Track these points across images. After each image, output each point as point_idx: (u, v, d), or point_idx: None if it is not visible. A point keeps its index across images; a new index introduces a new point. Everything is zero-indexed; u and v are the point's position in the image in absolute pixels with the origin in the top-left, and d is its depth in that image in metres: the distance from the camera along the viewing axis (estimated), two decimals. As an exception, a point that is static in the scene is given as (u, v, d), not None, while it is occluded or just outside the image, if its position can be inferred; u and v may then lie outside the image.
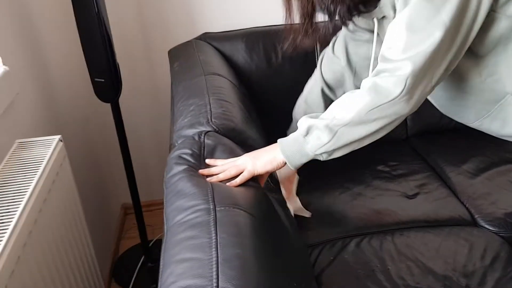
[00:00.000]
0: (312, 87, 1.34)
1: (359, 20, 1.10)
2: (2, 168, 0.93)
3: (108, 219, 1.90)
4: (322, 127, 0.90)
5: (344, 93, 1.08)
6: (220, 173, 0.88)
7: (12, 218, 0.79)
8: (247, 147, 1.09)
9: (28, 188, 0.86)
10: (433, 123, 1.71)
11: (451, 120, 1.70)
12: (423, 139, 1.69)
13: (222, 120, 1.08)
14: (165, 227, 0.79)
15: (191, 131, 1.04)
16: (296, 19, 0.99)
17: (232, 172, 0.89)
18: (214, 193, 0.80)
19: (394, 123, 0.90)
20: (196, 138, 0.99)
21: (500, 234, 1.25)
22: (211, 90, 1.21)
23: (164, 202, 0.85)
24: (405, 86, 0.83)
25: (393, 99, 0.84)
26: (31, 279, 0.81)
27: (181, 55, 1.52)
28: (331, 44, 1.29)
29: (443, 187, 1.42)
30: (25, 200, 0.83)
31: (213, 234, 0.70)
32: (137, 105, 1.82)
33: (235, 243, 0.69)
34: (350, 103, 0.89)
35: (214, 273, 0.63)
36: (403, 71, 0.83)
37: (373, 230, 1.26)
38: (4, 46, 1.14)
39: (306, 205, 1.37)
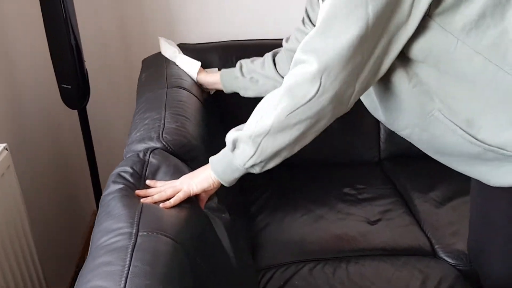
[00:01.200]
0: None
1: None
2: None
3: (77, 226, 1.87)
4: (246, 139, 0.84)
5: None
6: (156, 194, 0.86)
7: None
8: (200, 163, 1.07)
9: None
10: (406, 147, 1.67)
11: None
12: (395, 163, 1.67)
13: (173, 136, 1.05)
14: (90, 248, 0.77)
15: (140, 146, 1.02)
16: None
17: (168, 193, 0.86)
18: (142, 216, 0.78)
19: (319, 124, 0.82)
20: (141, 155, 0.97)
21: (458, 267, 1.22)
22: (169, 104, 1.19)
23: (95, 221, 0.83)
24: (320, 84, 0.76)
25: (310, 99, 0.77)
26: None
27: (151, 66, 1.50)
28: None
29: (406, 215, 1.39)
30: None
31: (127, 262, 0.68)
32: (111, 113, 1.80)
33: (147, 272, 0.66)
34: (268, 107, 0.83)
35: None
36: (312, 67, 0.76)
37: (329, 256, 1.23)
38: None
39: (265, 225, 1.35)
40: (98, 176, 1.59)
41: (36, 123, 1.56)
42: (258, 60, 1.33)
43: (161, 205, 0.84)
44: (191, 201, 0.90)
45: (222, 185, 0.93)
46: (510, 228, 0.92)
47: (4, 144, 1.01)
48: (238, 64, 1.34)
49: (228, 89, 1.37)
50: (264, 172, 1.59)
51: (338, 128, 1.73)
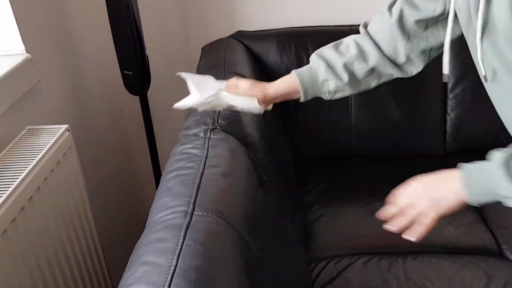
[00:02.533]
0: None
1: None
2: (5, 152, 0.96)
3: (137, 209, 1.92)
4: None
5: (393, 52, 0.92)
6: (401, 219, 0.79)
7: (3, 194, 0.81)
8: (254, 151, 1.06)
9: (22, 173, 0.89)
10: (474, 141, 1.58)
11: (496, 137, 1.60)
12: (462, 157, 1.55)
13: (228, 122, 1.05)
14: (147, 223, 0.78)
15: (195, 131, 1.03)
16: None
17: (417, 220, 0.79)
18: (198, 196, 0.78)
19: None
20: (201, 135, 0.98)
21: (529, 270, 1.13)
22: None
23: (155, 196, 0.84)
24: None
25: None
26: (14, 256, 0.83)
27: (210, 53, 1.51)
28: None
29: (472, 212, 1.31)
30: (15, 184, 0.85)
31: (181, 240, 0.68)
32: (171, 99, 1.83)
33: (198, 252, 0.66)
34: None
35: (167, 282, 0.61)
36: None
37: (385, 251, 1.18)
38: (32, 34, 1.18)
39: (319, 216, 1.32)
40: (158, 161, 1.63)
41: (98, 107, 1.62)
42: (346, 46, 0.98)
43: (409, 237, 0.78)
44: (251, 184, 0.89)
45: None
46: None
47: (66, 126, 1.05)
48: (319, 61, 0.97)
49: (308, 96, 1.00)
50: (322, 160, 1.55)
51: (401, 119, 1.69)
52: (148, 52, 1.48)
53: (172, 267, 0.63)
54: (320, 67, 0.96)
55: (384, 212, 0.80)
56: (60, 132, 1.03)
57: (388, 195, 1.37)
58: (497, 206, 1.30)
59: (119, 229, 1.74)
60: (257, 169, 1.00)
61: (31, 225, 0.90)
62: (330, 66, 0.96)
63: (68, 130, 1.06)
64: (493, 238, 1.22)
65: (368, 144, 1.60)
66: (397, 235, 1.23)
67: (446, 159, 1.59)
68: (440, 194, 0.78)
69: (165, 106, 1.82)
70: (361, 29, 1.00)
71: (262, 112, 1.00)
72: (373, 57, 0.95)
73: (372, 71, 0.97)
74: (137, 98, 1.54)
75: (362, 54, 0.95)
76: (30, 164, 0.92)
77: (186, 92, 1.79)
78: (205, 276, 0.63)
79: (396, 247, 1.19)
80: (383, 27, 0.96)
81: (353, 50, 0.96)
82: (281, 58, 1.55)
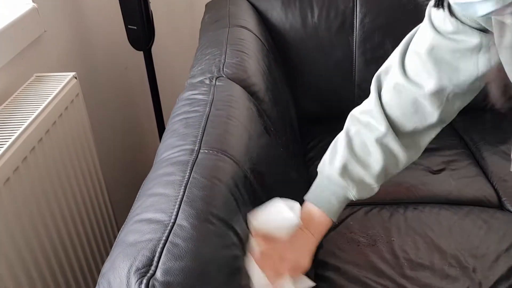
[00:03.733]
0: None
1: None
2: (13, 98, 0.98)
3: (141, 158, 1.94)
4: None
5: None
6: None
7: (9, 139, 0.83)
8: (259, 100, 1.07)
9: (30, 117, 0.90)
10: (477, 100, 1.58)
11: (499, 98, 1.60)
12: (464, 117, 1.57)
13: (233, 70, 1.05)
14: (154, 161, 0.80)
15: (200, 78, 1.03)
16: None
17: None
18: (204, 135, 0.79)
19: None
20: (207, 82, 0.98)
21: (529, 221, 1.15)
22: (230, 41, 1.18)
23: (162, 139, 0.86)
24: None
25: None
26: (25, 194, 0.86)
27: (213, 8, 1.50)
28: (397, 60, 0.78)
29: (473, 166, 1.32)
30: (24, 127, 0.87)
31: (187, 173, 0.70)
32: (174, 54, 1.83)
33: (205, 185, 0.68)
34: None
35: (175, 210, 0.63)
36: None
37: (386, 202, 1.20)
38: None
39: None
40: (162, 113, 1.64)
41: (103, 60, 1.62)
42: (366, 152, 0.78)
43: None
44: (256, 129, 0.90)
45: None
46: None
47: (73, 73, 1.06)
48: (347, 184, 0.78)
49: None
50: (326, 120, 1.56)
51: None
52: (152, 7, 1.47)
53: (180, 197, 0.64)
54: (350, 191, 0.78)
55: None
56: (68, 79, 1.04)
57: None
58: (498, 161, 1.33)
59: (124, 174, 1.77)
60: (263, 117, 1.01)
61: (41, 166, 0.92)
62: (360, 187, 0.79)
63: (76, 78, 1.07)
64: (493, 190, 1.24)
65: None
66: (399, 188, 1.26)
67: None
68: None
69: (169, 62, 1.83)
70: (374, 93, 0.80)
71: None
72: (404, 158, 0.79)
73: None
74: (141, 54, 1.55)
75: (390, 159, 0.79)
76: (38, 109, 0.93)
77: (189, 51, 1.76)
78: (211, 205, 0.65)
79: (397, 199, 1.21)
80: (405, 102, 0.77)
81: (378, 159, 0.77)
82: (286, 15, 1.54)
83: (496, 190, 1.25)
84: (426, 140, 0.83)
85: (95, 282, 1.12)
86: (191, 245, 0.57)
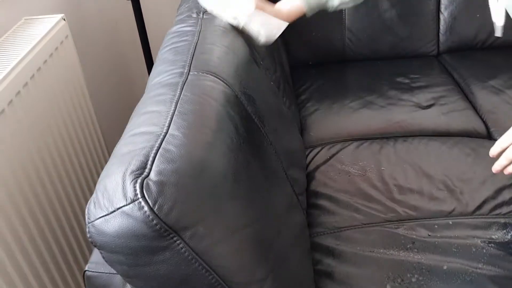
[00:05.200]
0: None
1: None
2: (2, 39, 0.98)
3: (131, 95, 1.94)
4: None
5: None
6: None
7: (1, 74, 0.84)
8: (245, 34, 1.07)
9: (19, 55, 0.91)
10: (467, 39, 1.59)
11: (489, 35, 1.61)
12: (455, 55, 1.59)
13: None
14: (146, 87, 0.82)
15: (188, 13, 1.04)
16: None
17: None
18: (193, 60, 0.81)
19: None
20: (194, 15, 0.99)
21: (515, 149, 1.18)
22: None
23: (153, 68, 0.87)
24: None
25: None
26: (20, 126, 0.87)
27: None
28: None
29: (462, 100, 1.34)
30: (14, 63, 0.88)
31: (178, 92, 0.71)
32: (162, 3, 1.81)
33: (196, 101, 0.69)
34: None
35: (167, 122, 0.64)
36: None
37: (376, 136, 1.23)
38: None
39: (314, 110, 1.36)
40: (150, 51, 1.63)
41: (92, 7, 1.61)
42: None
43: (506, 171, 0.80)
44: (245, 57, 0.91)
45: None
46: None
47: (61, 15, 1.06)
48: None
49: (314, 11, 1.05)
50: (317, 64, 1.57)
51: (395, 20, 1.69)
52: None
53: (171, 112, 0.66)
54: None
55: (493, 149, 0.83)
56: (56, 20, 1.04)
57: (379, 89, 1.41)
58: (487, 94, 1.35)
59: (114, 108, 1.78)
60: (251, 49, 1.02)
61: (34, 100, 0.94)
62: None
63: (64, 19, 1.07)
64: (482, 122, 1.27)
65: (363, 46, 1.60)
66: (389, 123, 1.28)
67: (439, 58, 1.60)
68: None
69: (156, 9, 1.81)
70: None
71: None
72: None
73: None
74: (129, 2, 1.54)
75: None
76: (28, 48, 0.94)
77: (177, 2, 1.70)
78: (201, 118, 0.67)
79: (387, 133, 1.24)
80: None
81: None
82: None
83: (484, 122, 1.27)
84: None
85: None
86: (183, 151, 0.59)
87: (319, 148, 1.20)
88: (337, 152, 1.17)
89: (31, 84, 0.92)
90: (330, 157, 1.16)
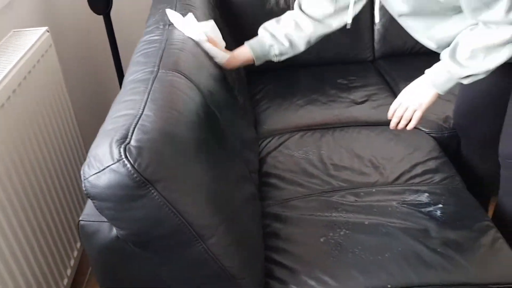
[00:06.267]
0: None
1: None
2: (-4, 48, 1.15)
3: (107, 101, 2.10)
4: (474, 67, 0.98)
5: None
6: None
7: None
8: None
9: (7, 66, 1.08)
10: (397, 47, 1.85)
11: (416, 43, 1.86)
12: (387, 61, 1.84)
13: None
14: (122, 85, 1.00)
15: (155, 26, 1.23)
16: None
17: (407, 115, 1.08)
18: (162, 60, 0.99)
19: None
20: (161, 27, 1.18)
21: (431, 135, 1.42)
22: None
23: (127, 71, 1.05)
24: None
25: None
26: (6, 132, 1.04)
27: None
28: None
29: (391, 97, 1.58)
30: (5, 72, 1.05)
31: (150, 85, 0.90)
32: (132, 18, 1.99)
33: (164, 91, 0.89)
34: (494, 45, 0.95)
35: (142, 106, 0.83)
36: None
37: (318, 127, 1.45)
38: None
39: (267, 108, 1.57)
40: (121, 64, 1.81)
41: (66, 28, 1.78)
42: (285, 21, 1.24)
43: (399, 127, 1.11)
44: (207, 59, 1.11)
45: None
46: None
47: (46, 27, 1.24)
48: (265, 32, 1.23)
49: (261, 60, 1.28)
50: (271, 70, 1.79)
51: (337, 31, 1.93)
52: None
53: (145, 99, 0.85)
54: (265, 37, 1.23)
55: (389, 112, 1.12)
56: (41, 32, 1.22)
57: (322, 89, 1.63)
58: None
59: (93, 112, 1.94)
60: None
61: (21, 106, 1.10)
62: (273, 35, 1.22)
63: (48, 31, 1.25)
64: (405, 114, 1.51)
65: (310, 53, 1.83)
66: (329, 115, 1.50)
67: (374, 63, 1.85)
68: (418, 97, 1.07)
69: (126, 23, 1.99)
70: (296, 7, 1.25)
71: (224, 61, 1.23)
72: (308, 29, 1.23)
73: (308, 37, 1.25)
74: (101, 18, 1.72)
75: (298, 26, 1.23)
76: (15, 59, 1.10)
77: (145, 14, 1.91)
78: (170, 102, 0.86)
79: (327, 124, 1.46)
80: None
81: (291, 24, 1.22)
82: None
83: (408, 114, 1.51)
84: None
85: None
86: (155, 125, 0.78)
87: (270, 138, 1.41)
88: (285, 141, 1.38)
89: (19, 90, 1.09)
90: (279, 145, 1.37)
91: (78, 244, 1.38)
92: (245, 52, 1.25)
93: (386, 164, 1.26)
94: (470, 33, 0.98)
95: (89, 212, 0.82)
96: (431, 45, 1.13)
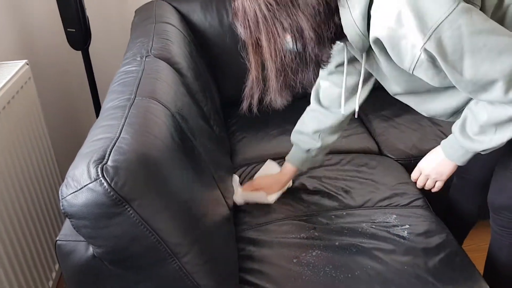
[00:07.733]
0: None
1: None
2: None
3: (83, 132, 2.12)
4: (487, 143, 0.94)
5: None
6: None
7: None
8: (181, 74, 1.33)
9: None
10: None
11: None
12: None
13: (159, 51, 1.31)
14: (100, 112, 1.03)
15: (132, 58, 1.28)
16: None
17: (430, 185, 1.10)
18: (138, 90, 1.04)
19: None
20: (138, 59, 1.23)
21: (399, 161, 1.49)
22: (157, 32, 1.45)
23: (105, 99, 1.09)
24: None
25: None
26: None
27: (142, 12, 1.76)
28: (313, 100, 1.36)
29: (361, 127, 1.66)
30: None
31: (127, 111, 0.94)
32: (109, 54, 2.05)
33: (141, 116, 0.93)
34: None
35: (119, 130, 0.86)
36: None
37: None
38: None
39: (242, 138, 1.62)
40: (98, 97, 1.86)
41: (46, 61, 1.83)
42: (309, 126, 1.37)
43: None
44: (180, 89, 1.16)
45: None
46: None
47: (25, 60, 1.28)
48: (303, 144, 1.32)
49: (305, 166, 1.34)
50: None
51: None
52: (88, 13, 1.71)
53: (122, 123, 0.88)
54: (298, 144, 1.33)
55: (412, 178, 1.14)
56: (21, 65, 1.26)
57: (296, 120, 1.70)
58: (379, 122, 1.67)
59: (70, 142, 1.96)
60: (186, 86, 1.27)
61: (2, 134, 1.13)
62: (308, 150, 1.30)
63: (27, 64, 1.29)
64: (375, 142, 1.58)
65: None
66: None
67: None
68: (438, 168, 1.07)
69: (104, 59, 2.04)
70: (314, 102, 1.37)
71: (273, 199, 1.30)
72: (338, 130, 1.32)
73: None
74: (79, 53, 1.77)
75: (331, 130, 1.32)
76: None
77: (122, 49, 1.95)
78: (146, 126, 0.90)
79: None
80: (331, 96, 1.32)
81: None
82: (205, 16, 1.83)
83: (377, 142, 1.58)
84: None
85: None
86: (131, 147, 0.81)
87: (245, 167, 1.46)
88: (259, 169, 1.43)
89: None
90: (254, 173, 1.41)
91: (57, 266, 1.38)
92: (291, 171, 1.31)
93: (356, 188, 1.31)
94: (476, 108, 0.93)
95: (67, 233, 0.84)
96: (428, 115, 1.10)
